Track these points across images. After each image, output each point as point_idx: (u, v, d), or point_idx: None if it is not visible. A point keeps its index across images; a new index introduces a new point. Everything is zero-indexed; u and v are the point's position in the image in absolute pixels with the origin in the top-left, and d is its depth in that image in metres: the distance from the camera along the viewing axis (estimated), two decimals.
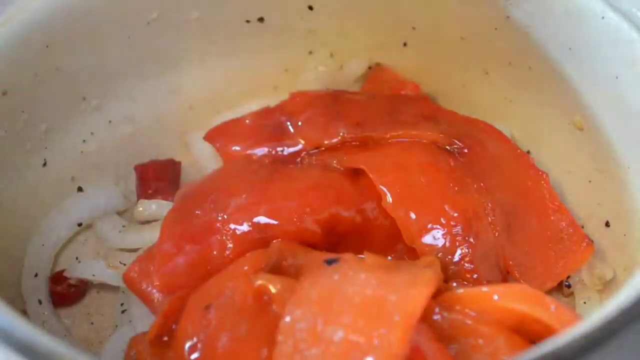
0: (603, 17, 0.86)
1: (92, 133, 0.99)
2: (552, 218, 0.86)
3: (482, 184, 0.88)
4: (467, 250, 0.82)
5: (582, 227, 0.92)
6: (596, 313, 0.62)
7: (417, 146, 0.89)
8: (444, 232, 0.82)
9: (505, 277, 0.84)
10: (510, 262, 0.85)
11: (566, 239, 0.88)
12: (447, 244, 0.82)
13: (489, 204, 0.87)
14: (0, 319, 0.65)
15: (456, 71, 1.02)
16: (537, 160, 0.95)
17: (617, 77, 0.85)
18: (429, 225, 0.83)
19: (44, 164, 0.95)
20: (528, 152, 0.97)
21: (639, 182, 0.86)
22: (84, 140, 0.99)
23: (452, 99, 1.02)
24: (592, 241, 0.88)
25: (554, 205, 0.90)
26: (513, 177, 0.91)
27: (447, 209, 0.84)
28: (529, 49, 0.93)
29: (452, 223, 0.83)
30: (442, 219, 0.83)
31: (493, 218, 0.86)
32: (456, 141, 0.90)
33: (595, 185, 0.93)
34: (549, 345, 0.60)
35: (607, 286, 0.89)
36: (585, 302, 0.88)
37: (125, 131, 1.02)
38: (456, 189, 0.86)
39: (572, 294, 0.90)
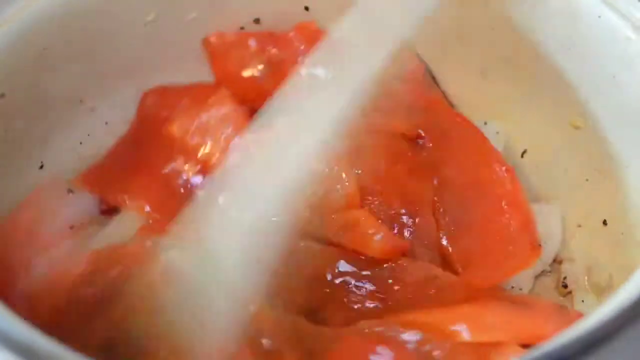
0: (600, 16, 0.86)
1: (88, 135, 0.99)
2: (506, 216, 0.85)
3: (439, 177, 0.89)
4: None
5: (579, 225, 0.93)
6: (595, 313, 0.62)
7: (381, 135, 0.89)
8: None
9: (446, 267, 0.84)
10: (454, 256, 0.86)
11: (516, 239, 0.85)
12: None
13: (443, 196, 0.88)
14: None
15: (455, 71, 1.02)
16: (534, 159, 0.95)
17: (614, 77, 0.85)
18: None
19: (41, 167, 0.95)
20: (525, 151, 0.97)
21: (636, 181, 0.86)
22: (81, 143, 0.99)
23: (451, 99, 1.02)
24: (540, 245, 0.85)
25: (512, 203, 0.87)
26: (474, 172, 0.90)
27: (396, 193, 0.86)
28: (527, 49, 0.93)
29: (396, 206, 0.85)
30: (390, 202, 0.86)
31: (442, 211, 0.88)
32: (421, 132, 0.90)
33: (592, 184, 0.93)
34: (549, 345, 0.60)
35: (605, 288, 0.89)
36: (583, 301, 0.89)
37: (122, 133, 1.02)
38: (411, 177, 0.88)
39: (569, 293, 0.90)
